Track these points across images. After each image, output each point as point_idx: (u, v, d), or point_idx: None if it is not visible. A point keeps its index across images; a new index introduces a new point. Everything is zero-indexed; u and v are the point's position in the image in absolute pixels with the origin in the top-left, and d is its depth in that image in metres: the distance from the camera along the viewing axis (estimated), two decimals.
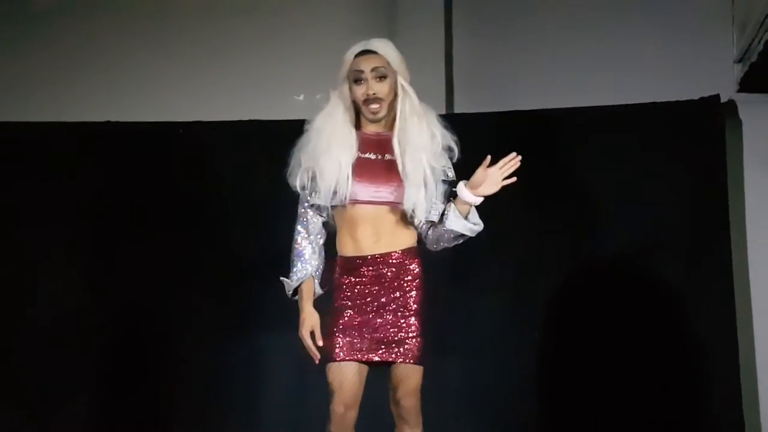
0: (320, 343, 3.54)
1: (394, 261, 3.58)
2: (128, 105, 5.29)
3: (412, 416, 3.59)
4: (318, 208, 3.64)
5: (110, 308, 5.16)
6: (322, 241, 3.67)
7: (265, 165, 4.93)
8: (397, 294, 3.57)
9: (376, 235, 3.57)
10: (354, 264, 3.59)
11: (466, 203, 3.53)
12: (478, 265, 4.96)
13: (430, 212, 3.57)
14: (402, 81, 3.59)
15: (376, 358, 3.54)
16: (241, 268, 5.06)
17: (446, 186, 3.63)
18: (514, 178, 3.52)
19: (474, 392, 4.98)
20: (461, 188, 3.54)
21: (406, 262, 3.59)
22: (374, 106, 3.57)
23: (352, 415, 3.52)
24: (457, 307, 4.89)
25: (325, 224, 3.67)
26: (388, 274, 3.57)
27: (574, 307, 4.99)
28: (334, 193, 3.54)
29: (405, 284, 3.58)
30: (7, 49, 5.41)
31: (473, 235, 3.59)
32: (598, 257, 5.04)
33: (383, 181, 3.57)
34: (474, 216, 3.57)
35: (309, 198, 3.62)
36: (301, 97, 5.19)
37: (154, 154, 5.21)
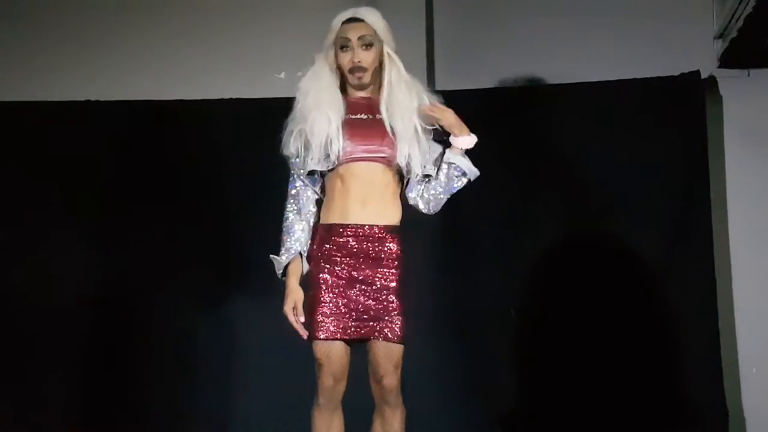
0: (302, 319, 3.53)
1: (375, 236, 3.56)
2: (109, 84, 5.26)
3: (393, 395, 3.58)
4: (312, 180, 3.62)
5: (92, 283, 5.16)
6: (312, 220, 3.64)
7: (248, 142, 4.96)
8: (378, 271, 3.56)
9: (363, 200, 3.56)
10: (335, 232, 3.56)
11: (460, 148, 3.59)
12: (459, 242, 4.98)
13: (425, 167, 3.59)
14: (388, 50, 3.61)
15: (359, 337, 3.54)
16: (224, 243, 5.07)
17: (438, 144, 3.65)
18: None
19: (455, 372, 5.00)
20: (453, 138, 3.59)
21: (388, 239, 3.58)
22: (359, 74, 3.58)
23: (341, 387, 3.54)
24: (436, 285, 4.90)
25: (317, 201, 3.65)
26: (369, 250, 3.56)
27: (554, 284, 5.00)
28: (327, 155, 3.54)
29: (386, 262, 3.57)
30: None
31: (472, 177, 3.62)
32: (578, 235, 5.05)
33: (377, 138, 3.57)
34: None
35: (303, 166, 3.59)
36: (282, 75, 5.17)
37: (135, 132, 5.19)
